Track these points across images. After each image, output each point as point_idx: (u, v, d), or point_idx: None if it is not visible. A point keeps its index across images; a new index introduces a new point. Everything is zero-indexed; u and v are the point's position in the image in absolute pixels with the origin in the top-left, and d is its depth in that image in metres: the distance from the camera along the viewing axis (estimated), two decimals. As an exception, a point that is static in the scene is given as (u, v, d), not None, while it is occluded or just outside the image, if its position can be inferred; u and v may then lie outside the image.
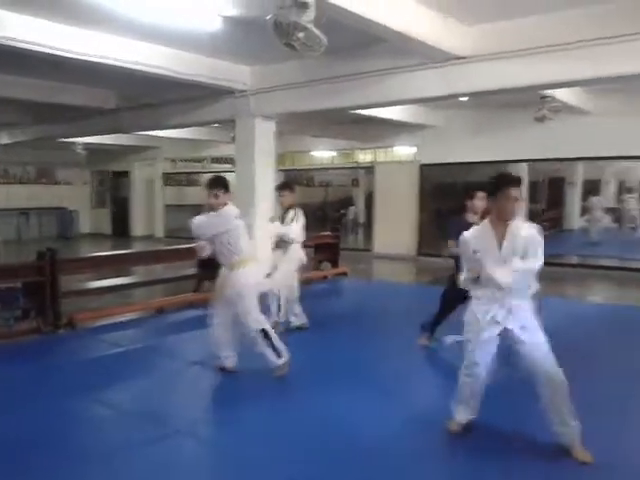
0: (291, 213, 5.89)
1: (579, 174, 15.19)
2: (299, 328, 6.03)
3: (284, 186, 6.20)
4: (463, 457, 3.35)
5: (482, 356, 3.33)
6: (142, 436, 3.59)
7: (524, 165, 13.18)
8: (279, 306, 5.94)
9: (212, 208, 4.42)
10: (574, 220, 15.35)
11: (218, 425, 3.94)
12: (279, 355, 4.49)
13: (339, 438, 3.50)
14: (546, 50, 5.36)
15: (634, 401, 4.18)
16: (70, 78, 8.02)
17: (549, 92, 7.77)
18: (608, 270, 10.35)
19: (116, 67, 6.33)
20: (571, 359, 4.80)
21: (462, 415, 3.52)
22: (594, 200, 13.74)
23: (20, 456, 3.29)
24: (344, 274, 9.96)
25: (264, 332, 4.47)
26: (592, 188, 14.78)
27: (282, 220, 5.94)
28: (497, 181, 3.29)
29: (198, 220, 4.46)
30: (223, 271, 4.60)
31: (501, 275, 3.15)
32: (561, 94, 8.00)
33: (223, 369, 4.69)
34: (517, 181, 3.29)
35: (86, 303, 6.99)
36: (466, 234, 3.41)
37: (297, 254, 5.98)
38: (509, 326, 3.23)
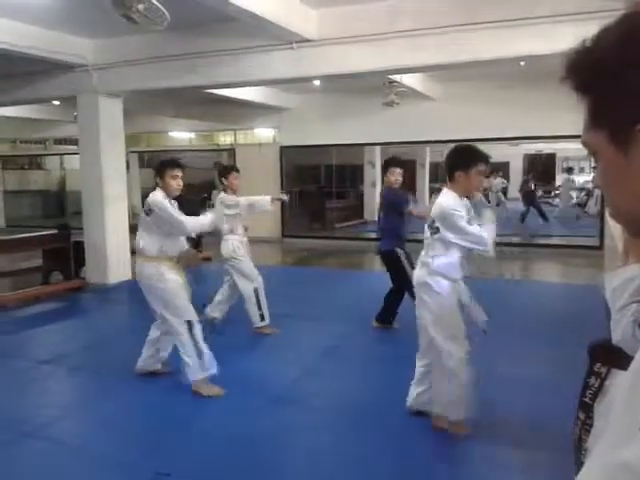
0: None
1: (427, 157, 16.32)
2: None
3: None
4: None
5: None
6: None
7: (377, 148, 13.84)
8: None
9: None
10: (425, 200, 16.48)
11: (72, 425, 3.67)
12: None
13: (200, 431, 3.42)
14: (385, 37, 5.60)
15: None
16: None
17: (396, 77, 8.17)
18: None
19: None
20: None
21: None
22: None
23: None
24: (208, 259, 9.76)
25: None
26: (441, 170, 15.96)
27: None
28: (471, 156, 3.10)
29: None
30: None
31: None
32: (407, 80, 8.45)
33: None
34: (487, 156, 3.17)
35: None
36: (454, 204, 3.09)
37: None
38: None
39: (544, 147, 17.27)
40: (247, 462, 3.06)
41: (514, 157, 17.77)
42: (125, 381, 4.22)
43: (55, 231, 7.65)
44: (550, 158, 18.68)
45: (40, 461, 3.14)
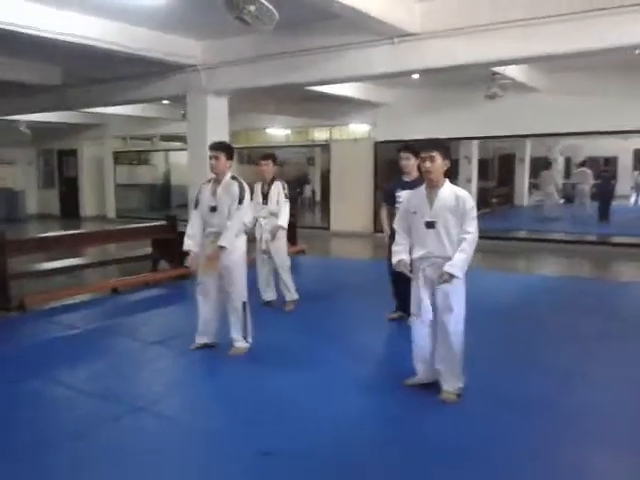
0: (274, 187, 5.84)
1: (527, 151, 15.62)
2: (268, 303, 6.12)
3: (267, 156, 5.96)
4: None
5: None
6: (103, 415, 3.54)
7: (474, 142, 13.47)
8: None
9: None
10: (524, 197, 15.76)
11: (180, 402, 3.87)
12: (245, 336, 4.57)
13: (302, 411, 3.54)
14: (493, 27, 5.45)
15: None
16: (10, 52, 7.63)
17: (499, 69, 7.92)
18: (557, 244, 10.75)
19: (61, 42, 6.05)
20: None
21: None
22: (545, 175, 13.88)
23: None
24: (302, 252, 10.00)
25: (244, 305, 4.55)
26: (541, 165, 15.19)
27: (266, 194, 5.85)
28: None
29: None
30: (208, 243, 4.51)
31: None
32: (511, 71, 8.17)
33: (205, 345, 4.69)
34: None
35: (37, 285, 6.79)
36: None
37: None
38: None
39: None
40: (351, 446, 3.08)
41: (623, 152, 16.63)
42: (228, 361, 4.45)
43: (163, 222, 8.13)
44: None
45: (148, 435, 3.30)
